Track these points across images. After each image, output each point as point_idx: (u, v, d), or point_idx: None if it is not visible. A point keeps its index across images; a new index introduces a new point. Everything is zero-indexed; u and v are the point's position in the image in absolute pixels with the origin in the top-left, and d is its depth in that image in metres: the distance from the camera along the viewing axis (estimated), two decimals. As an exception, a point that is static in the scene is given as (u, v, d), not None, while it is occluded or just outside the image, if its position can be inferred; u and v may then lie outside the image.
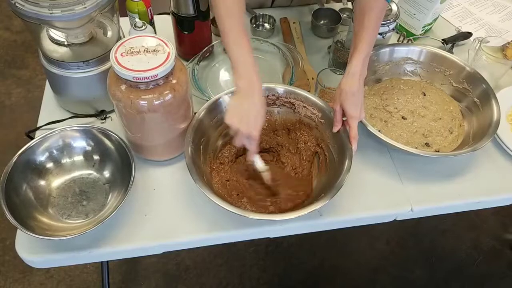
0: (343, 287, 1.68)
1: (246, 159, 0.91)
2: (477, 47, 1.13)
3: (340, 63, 1.13)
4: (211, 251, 1.71)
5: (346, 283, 1.69)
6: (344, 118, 0.89)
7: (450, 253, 1.79)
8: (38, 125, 1.00)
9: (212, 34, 1.20)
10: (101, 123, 1.03)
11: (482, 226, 1.88)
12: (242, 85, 0.82)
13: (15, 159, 0.84)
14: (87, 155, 0.92)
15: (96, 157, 0.92)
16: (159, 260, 1.67)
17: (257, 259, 1.71)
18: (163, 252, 0.88)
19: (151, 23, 1.11)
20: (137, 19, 1.04)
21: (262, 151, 0.99)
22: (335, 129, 0.90)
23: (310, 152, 0.97)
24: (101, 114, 1.03)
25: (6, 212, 0.77)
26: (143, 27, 1.00)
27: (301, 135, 0.99)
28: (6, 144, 2.02)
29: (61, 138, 0.90)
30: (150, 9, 1.09)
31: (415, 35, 1.27)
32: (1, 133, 2.08)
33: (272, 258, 1.72)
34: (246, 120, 0.81)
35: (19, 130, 2.04)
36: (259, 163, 0.90)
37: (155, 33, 1.12)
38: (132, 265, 1.67)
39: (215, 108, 0.94)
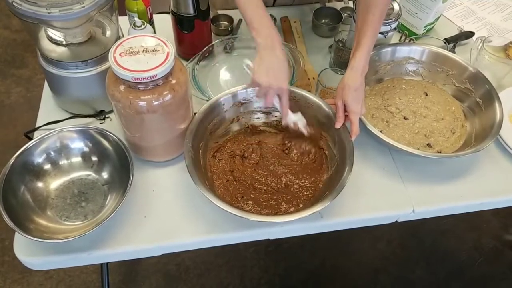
0: (344, 287, 1.68)
1: (282, 123, 0.92)
2: (479, 47, 1.12)
3: (341, 62, 1.13)
4: (211, 251, 1.70)
5: (347, 283, 1.68)
6: (345, 114, 0.90)
7: (451, 254, 1.78)
8: (37, 125, 1.00)
9: (212, 33, 1.19)
10: (100, 123, 1.02)
11: (483, 226, 1.87)
12: (262, 41, 0.83)
13: (12, 161, 0.83)
14: (85, 156, 0.92)
15: (94, 158, 0.92)
16: (159, 261, 1.66)
17: (257, 259, 1.71)
18: (163, 254, 0.87)
19: (151, 22, 1.11)
20: (136, 18, 1.03)
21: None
22: (337, 125, 0.89)
23: (309, 153, 0.96)
24: (100, 114, 1.02)
25: (4, 215, 0.77)
26: (143, 26, 0.99)
27: (301, 137, 0.98)
28: (6, 144, 2.01)
29: (58, 139, 0.89)
30: (149, 8, 1.08)
31: (417, 34, 1.26)
32: (1, 133, 2.08)
33: (273, 258, 1.71)
34: (273, 74, 0.82)
35: (19, 130, 2.04)
36: (292, 117, 0.91)
37: (155, 32, 1.12)
38: (132, 265, 1.66)
39: (215, 108, 0.94)
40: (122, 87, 0.78)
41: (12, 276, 1.63)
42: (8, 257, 1.66)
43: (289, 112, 0.91)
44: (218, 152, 0.95)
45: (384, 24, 1.07)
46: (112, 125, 1.01)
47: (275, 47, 0.83)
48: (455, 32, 1.31)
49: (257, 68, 0.83)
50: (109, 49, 0.78)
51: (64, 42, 0.94)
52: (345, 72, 0.90)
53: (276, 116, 1.00)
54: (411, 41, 1.21)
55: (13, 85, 2.30)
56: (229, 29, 1.24)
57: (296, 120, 0.92)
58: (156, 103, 0.79)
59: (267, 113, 1.00)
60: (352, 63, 0.89)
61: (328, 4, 1.34)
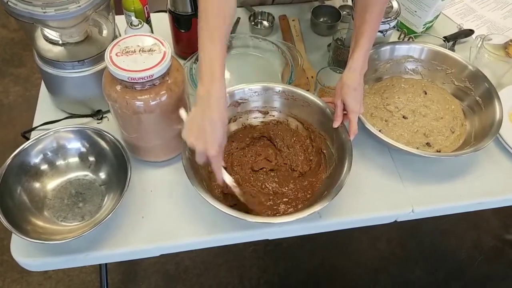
0: (343, 287, 1.67)
1: (217, 180, 0.81)
2: (479, 45, 1.12)
3: (340, 61, 1.12)
4: (210, 251, 1.70)
5: (346, 283, 1.68)
6: (344, 112, 0.89)
7: (450, 253, 1.78)
8: (34, 125, 0.99)
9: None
10: (98, 123, 1.01)
11: (483, 226, 1.86)
12: (201, 94, 0.73)
13: (8, 161, 0.83)
14: (82, 156, 0.91)
15: (91, 158, 0.91)
16: (158, 260, 1.66)
17: (257, 259, 1.70)
18: (161, 255, 0.87)
19: (148, 21, 1.10)
20: (133, 18, 1.02)
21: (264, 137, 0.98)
22: (335, 124, 0.89)
23: (309, 153, 0.96)
24: (97, 114, 1.01)
25: (0, 216, 0.76)
26: (140, 25, 0.99)
27: (300, 135, 0.97)
28: (5, 143, 2.01)
29: (55, 139, 0.89)
30: (146, 7, 1.07)
31: (416, 32, 1.26)
32: (0, 133, 2.07)
33: (272, 258, 1.71)
34: (202, 136, 0.73)
35: (18, 129, 2.03)
36: (227, 179, 0.82)
37: (152, 31, 1.11)
38: (131, 265, 1.66)
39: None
40: (118, 87, 0.78)
41: (11, 275, 1.62)
42: (7, 256, 1.66)
43: (225, 174, 0.81)
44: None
45: (383, 23, 1.07)
46: (110, 125, 1.01)
47: (211, 105, 0.72)
48: (454, 30, 1.30)
49: (187, 125, 0.76)
50: (106, 49, 0.78)
51: (60, 42, 0.93)
52: (344, 72, 0.89)
53: (273, 116, 1.00)
54: (410, 40, 1.20)
55: (11, 84, 2.29)
56: (227, 28, 1.24)
57: (230, 185, 0.82)
58: (153, 103, 0.78)
59: (265, 112, 0.99)
60: (350, 63, 0.89)
61: (327, 2, 1.33)
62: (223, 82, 0.74)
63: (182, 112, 0.79)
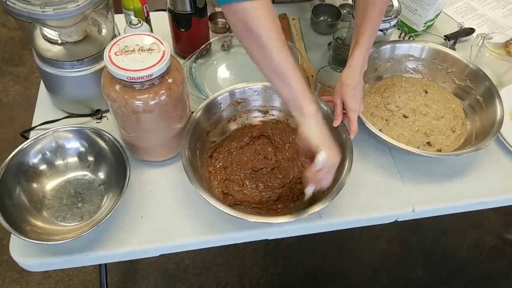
0: (343, 286, 1.67)
1: (306, 190, 0.79)
2: (480, 44, 1.11)
3: (340, 60, 1.11)
4: (210, 250, 1.70)
5: (346, 283, 1.68)
6: (344, 111, 0.89)
7: (451, 252, 1.77)
8: (33, 124, 0.99)
9: (210, 31, 1.18)
10: (97, 122, 1.01)
11: (483, 224, 1.86)
12: (315, 112, 0.73)
13: (7, 161, 0.82)
14: (81, 156, 0.91)
15: (90, 158, 0.91)
16: (158, 260, 1.66)
17: (257, 258, 1.70)
18: (160, 255, 0.87)
19: (147, 20, 1.09)
20: (132, 17, 1.02)
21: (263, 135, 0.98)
22: (335, 123, 0.89)
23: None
24: (97, 113, 1.01)
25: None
26: (139, 24, 0.98)
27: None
28: (4, 142, 2.01)
29: (54, 139, 0.88)
30: (145, 6, 1.07)
31: (416, 31, 1.25)
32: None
33: (272, 257, 1.71)
34: (336, 149, 0.76)
35: (17, 129, 2.03)
36: (310, 193, 0.81)
37: (151, 30, 1.10)
38: (130, 264, 1.65)
39: (212, 108, 0.93)
40: (117, 87, 0.77)
41: (10, 275, 1.62)
42: (7, 256, 1.66)
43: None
44: (215, 152, 0.94)
45: (384, 21, 1.06)
46: (109, 124, 1.00)
47: (319, 113, 0.74)
48: (455, 29, 1.29)
49: (329, 151, 0.74)
50: (105, 48, 0.77)
51: (59, 41, 0.93)
52: (343, 70, 0.89)
53: (273, 115, 0.99)
54: (411, 38, 1.20)
55: (11, 83, 2.29)
56: (227, 27, 1.23)
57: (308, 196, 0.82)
58: (152, 102, 0.78)
59: (265, 112, 0.99)
60: (350, 61, 0.88)
61: (327, 1, 1.33)
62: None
63: (323, 155, 0.74)
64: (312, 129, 0.74)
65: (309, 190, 0.79)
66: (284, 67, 0.70)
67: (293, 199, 0.89)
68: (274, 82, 0.73)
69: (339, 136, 0.89)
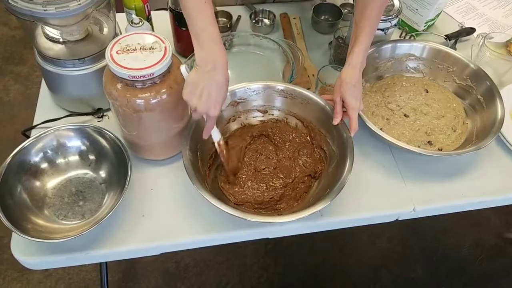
0: (343, 285, 1.67)
1: (203, 136, 0.85)
2: (480, 43, 1.11)
3: (341, 59, 1.11)
4: (211, 249, 1.70)
5: (346, 282, 1.68)
6: (344, 110, 0.89)
7: (451, 251, 1.78)
8: (34, 123, 0.99)
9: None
10: (98, 121, 1.01)
11: (484, 224, 1.86)
12: (202, 57, 0.75)
13: (9, 160, 0.82)
14: (82, 154, 0.91)
15: (92, 156, 0.91)
16: (159, 259, 1.66)
17: (257, 258, 1.70)
18: (161, 253, 0.87)
19: (148, 19, 1.10)
20: (134, 15, 1.02)
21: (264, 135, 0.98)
22: (335, 122, 0.89)
23: (309, 151, 0.96)
24: (98, 112, 1.01)
25: (1, 215, 0.76)
26: (140, 23, 0.98)
27: (300, 132, 0.97)
28: (4, 141, 2.00)
29: (55, 137, 0.88)
30: (147, 5, 1.07)
31: (417, 31, 1.25)
32: (0, 131, 2.07)
33: (273, 256, 1.71)
34: (205, 97, 0.75)
35: (18, 127, 2.03)
36: (216, 136, 0.86)
37: (153, 29, 1.10)
38: (131, 263, 1.65)
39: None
40: (119, 85, 0.78)
41: (11, 274, 1.62)
42: (7, 255, 1.66)
43: (215, 131, 0.85)
44: (216, 151, 0.94)
45: (384, 21, 1.06)
46: (110, 123, 1.00)
47: (216, 68, 0.74)
48: (456, 28, 1.29)
49: (189, 85, 0.76)
50: (106, 47, 0.77)
51: (61, 40, 0.93)
52: (343, 68, 0.89)
53: (272, 115, 0.99)
54: (412, 38, 1.20)
55: (11, 82, 2.29)
56: (228, 26, 1.23)
57: (218, 140, 0.88)
58: (153, 101, 0.78)
59: (264, 111, 0.99)
60: (349, 59, 0.88)
61: (328, 0, 1.33)
62: (223, 45, 0.76)
63: (183, 69, 0.78)
64: (194, 74, 0.76)
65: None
66: (193, 15, 0.74)
67: (296, 199, 0.89)
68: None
69: (340, 135, 0.89)
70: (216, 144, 0.88)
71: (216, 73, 0.75)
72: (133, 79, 0.75)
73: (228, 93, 0.92)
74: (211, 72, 0.74)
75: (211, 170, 0.92)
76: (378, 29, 0.99)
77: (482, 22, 1.35)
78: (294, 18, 1.28)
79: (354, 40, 0.88)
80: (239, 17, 1.27)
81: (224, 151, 0.89)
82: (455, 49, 1.18)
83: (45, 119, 0.98)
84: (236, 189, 0.90)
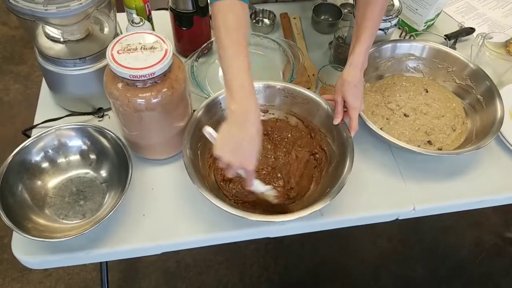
0: (344, 285, 1.67)
1: (244, 187, 0.83)
2: (480, 43, 1.12)
3: (341, 59, 1.12)
4: (211, 249, 1.70)
5: (347, 281, 1.68)
6: (344, 109, 0.89)
7: (451, 251, 1.78)
8: (35, 123, 0.99)
9: (211, 30, 1.18)
10: (99, 121, 1.01)
11: (484, 223, 1.86)
12: (233, 109, 0.71)
13: (10, 159, 0.83)
14: (83, 154, 0.91)
15: (92, 156, 0.91)
16: (159, 258, 1.66)
17: (257, 257, 1.70)
18: (162, 252, 0.87)
19: (149, 19, 1.10)
20: (134, 15, 1.02)
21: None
22: (336, 121, 0.89)
23: (310, 151, 0.96)
24: (99, 112, 1.01)
25: (2, 214, 0.76)
26: (141, 23, 0.99)
27: (300, 131, 0.98)
28: (4, 141, 2.00)
29: (56, 137, 0.89)
30: (147, 5, 1.07)
31: (417, 30, 1.26)
32: (0, 130, 2.07)
33: (273, 255, 1.71)
34: (240, 152, 0.72)
35: (18, 127, 2.03)
36: (260, 188, 0.83)
37: (153, 29, 1.11)
38: (131, 263, 1.66)
39: (214, 106, 0.93)
40: (120, 85, 0.78)
41: (11, 274, 1.62)
42: (8, 255, 1.66)
43: (258, 183, 0.82)
44: None
45: (384, 21, 1.07)
46: (111, 122, 1.00)
47: (249, 119, 0.71)
48: (455, 28, 1.30)
49: (221, 141, 0.73)
50: (107, 46, 0.77)
51: (61, 39, 0.93)
52: (344, 68, 0.89)
53: (273, 114, 0.99)
54: (412, 38, 1.20)
55: (11, 82, 2.29)
56: (228, 26, 1.23)
57: (263, 192, 0.84)
58: (154, 101, 0.78)
59: (265, 111, 0.99)
60: (351, 59, 0.89)
61: (328, 0, 1.33)
62: (255, 95, 0.73)
63: (210, 130, 0.77)
64: (227, 124, 0.73)
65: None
66: (227, 60, 0.72)
67: (296, 198, 0.89)
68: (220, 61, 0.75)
69: (340, 134, 0.89)
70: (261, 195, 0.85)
71: (249, 125, 0.71)
72: (134, 78, 0.75)
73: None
74: (243, 125, 0.71)
75: (212, 169, 0.92)
76: (378, 29, 0.99)
77: (481, 22, 1.35)
78: (294, 18, 1.28)
79: (356, 40, 0.89)
80: (239, 17, 1.27)
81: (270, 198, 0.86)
82: (454, 49, 1.18)
83: (46, 118, 0.98)
84: (238, 190, 0.90)
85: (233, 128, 0.72)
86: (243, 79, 0.72)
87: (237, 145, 0.72)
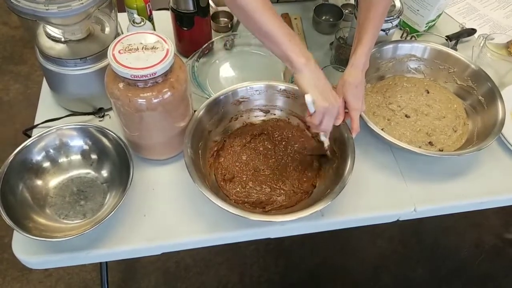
0: (344, 285, 1.67)
1: (316, 135, 0.90)
2: (481, 44, 1.12)
3: (342, 60, 1.12)
4: (211, 249, 1.70)
5: (347, 281, 1.68)
6: (345, 111, 0.89)
7: (452, 251, 1.78)
8: (36, 123, 0.99)
9: (212, 30, 1.18)
10: (99, 121, 1.01)
11: (484, 224, 1.87)
12: (304, 62, 0.77)
13: (11, 158, 0.82)
14: (84, 154, 0.91)
15: (94, 156, 0.91)
16: (159, 258, 1.66)
17: (257, 257, 1.70)
18: (162, 253, 0.87)
19: (150, 19, 1.10)
20: (135, 15, 1.02)
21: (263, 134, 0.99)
22: (337, 122, 0.88)
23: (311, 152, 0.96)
24: (99, 112, 1.01)
25: (3, 213, 0.76)
26: (142, 23, 0.99)
27: (302, 134, 0.97)
28: (4, 141, 2.00)
29: (57, 137, 0.89)
30: (149, 5, 1.07)
31: (418, 31, 1.26)
32: (0, 130, 2.07)
33: (273, 256, 1.71)
34: (328, 96, 0.79)
35: (18, 127, 2.03)
36: (327, 140, 0.89)
37: (154, 29, 1.10)
38: (131, 263, 1.66)
39: (215, 106, 0.93)
40: (121, 85, 0.78)
41: (11, 273, 1.62)
42: (8, 254, 1.66)
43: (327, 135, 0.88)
44: (217, 150, 0.95)
45: (386, 21, 1.06)
46: (112, 123, 1.00)
47: (317, 67, 0.79)
48: (457, 29, 1.30)
49: (314, 93, 0.78)
50: (108, 46, 0.77)
51: (62, 39, 0.93)
52: (346, 69, 0.89)
53: (275, 114, 0.99)
54: (413, 38, 1.20)
55: (11, 82, 2.29)
56: (229, 26, 1.23)
57: (326, 144, 0.90)
58: (155, 101, 0.78)
59: (266, 111, 0.99)
60: (352, 60, 0.88)
61: (329, 1, 1.33)
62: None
63: (309, 98, 0.79)
64: (305, 78, 0.78)
65: (321, 137, 0.88)
66: (270, 29, 0.76)
67: (297, 199, 0.89)
68: (265, 44, 0.79)
69: (341, 135, 0.89)
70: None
71: (319, 72, 0.79)
72: (135, 78, 0.75)
73: (229, 92, 0.93)
74: (317, 72, 0.79)
75: (212, 169, 0.92)
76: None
77: (483, 23, 1.35)
78: (295, 19, 1.28)
79: (357, 41, 0.88)
80: (240, 17, 1.27)
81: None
82: (456, 50, 1.18)
83: (46, 118, 0.98)
84: (238, 189, 0.90)
85: (313, 78, 0.78)
86: (294, 37, 0.77)
87: (324, 90, 0.79)
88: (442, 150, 0.97)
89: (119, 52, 0.76)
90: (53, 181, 0.89)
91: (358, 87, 0.87)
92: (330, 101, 0.79)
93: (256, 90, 0.96)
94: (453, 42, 1.23)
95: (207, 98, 0.93)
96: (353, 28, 1.11)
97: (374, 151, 0.99)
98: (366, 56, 0.88)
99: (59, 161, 0.90)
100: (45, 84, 1.06)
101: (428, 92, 1.08)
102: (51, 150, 0.89)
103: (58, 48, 0.93)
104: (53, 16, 0.81)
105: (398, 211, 0.92)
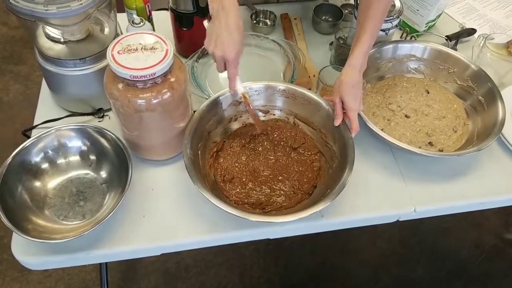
0: (344, 285, 1.67)
1: (230, 89, 0.89)
2: (481, 44, 1.11)
3: (342, 60, 1.11)
4: (211, 249, 1.70)
5: (347, 282, 1.68)
6: (344, 111, 0.89)
7: (452, 252, 1.78)
8: (35, 123, 0.99)
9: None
10: (99, 121, 1.01)
11: (484, 224, 1.86)
12: (215, 7, 0.80)
13: (9, 160, 0.82)
14: (83, 154, 0.91)
15: (92, 156, 0.91)
16: (159, 259, 1.66)
17: (257, 258, 1.70)
18: (162, 254, 0.87)
19: (149, 19, 1.09)
20: (135, 16, 1.02)
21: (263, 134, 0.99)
22: (336, 122, 0.89)
23: (310, 151, 0.95)
24: (99, 112, 1.01)
25: (1, 215, 0.76)
26: (141, 23, 0.98)
27: (302, 135, 0.97)
28: (4, 141, 2.00)
29: (56, 138, 0.88)
30: (148, 5, 1.07)
31: (418, 31, 1.25)
32: (0, 130, 2.07)
33: (273, 256, 1.71)
34: (220, 42, 0.79)
35: (17, 127, 2.03)
36: (240, 88, 0.89)
37: (154, 29, 1.10)
38: (131, 263, 1.65)
39: (215, 107, 0.93)
40: (120, 85, 0.77)
41: (11, 274, 1.62)
42: (7, 255, 1.66)
43: (238, 82, 0.88)
44: (217, 151, 0.95)
45: (386, 21, 1.06)
46: (111, 123, 1.00)
47: (228, 15, 0.79)
48: (456, 29, 1.29)
49: (207, 34, 0.82)
50: (107, 47, 0.77)
51: (62, 40, 0.93)
52: (343, 69, 0.89)
53: (274, 115, 0.99)
54: (413, 39, 1.20)
55: (11, 82, 2.28)
56: (229, 26, 1.23)
57: (244, 91, 0.90)
58: (155, 101, 0.78)
59: (266, 111, 0.99)
60: (350, 59, 0.88)
61: (329, 1, 1.33)
62: None
63: (205, 22, 0.85)
64: (209, 25, 0.82)
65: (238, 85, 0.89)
66: None
67: (297, 199, 0.89)
68: None
69: (341, 135, 0.89)
70: (242, 97, 0.92)
71: (226, 18, 0.78)
72: (135, 79, 0.74)
73: (229, 93, 0.92)
74: (222, 19, 0.78)
75: (212, 169, 0.92)
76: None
77: (483, 23, 1.35)
78: (295, 19, 1.28)
79: (357, 40, 0.88)
80: (239, 18, 1.26)
81: (250, 106, 0.93)
82: (456, 50, 1.18)
83: (46, 119, 0.98)
84: (237, 190, 0.90)
85: (215, 23, 0.80)
86: None
87: (218, 36, 0.79)
88: (442, 151, 0.97)
89: (118, 52, 0.76)
90: (52, 182, 0.89)
91: (354, 87, 0.86)
92: (212, 48, 0.81)
93: (256, 91, 0.96)
94: (453, 42, 1.23)
95: (207, 99, 0.93)
96: (352, 28, 1.11)
97: (373, 151, 0.99)
98: (364, 57, 0.88)
99: (58, 162, 0.90)
100: (44, 85, 1.06)
101: (428, 92, 1.08)
102: (50, 151, 0.89)
103: (57, 49, 0.93)
104: (52, 16, 0.81)
105: (398, 211, 0.92)
